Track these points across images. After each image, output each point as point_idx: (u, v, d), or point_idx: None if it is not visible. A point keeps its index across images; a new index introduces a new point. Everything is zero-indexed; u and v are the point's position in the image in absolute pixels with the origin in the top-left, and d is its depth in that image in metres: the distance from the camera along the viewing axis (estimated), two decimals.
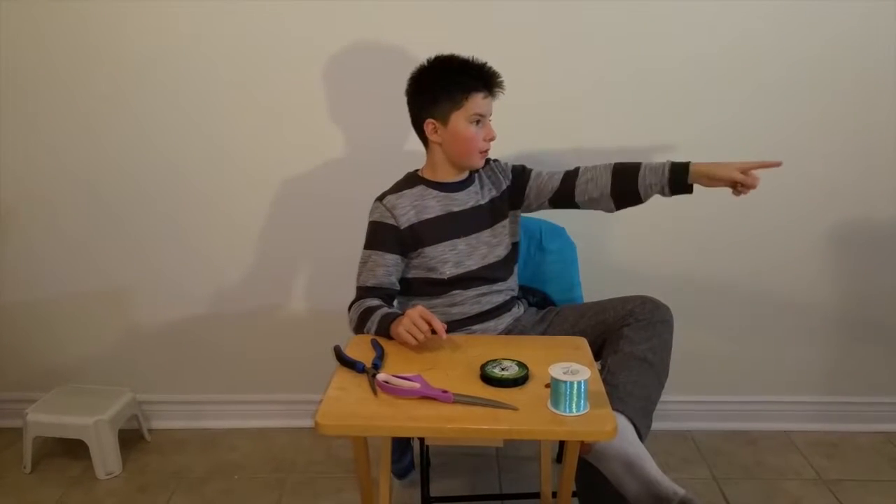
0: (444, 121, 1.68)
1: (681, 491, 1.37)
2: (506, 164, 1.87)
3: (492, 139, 1.70)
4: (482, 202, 1.79)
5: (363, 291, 1.70)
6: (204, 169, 2.16)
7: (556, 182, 1.80)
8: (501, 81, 1.69)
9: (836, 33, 2.03)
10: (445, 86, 1.66)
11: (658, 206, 2.18)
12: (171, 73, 2.08)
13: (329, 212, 2.20)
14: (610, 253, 2.20)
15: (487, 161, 1.85)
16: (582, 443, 1.44)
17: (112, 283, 2.26)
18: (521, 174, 1.84)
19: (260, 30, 2.04)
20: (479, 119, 1.67)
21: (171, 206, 2.20)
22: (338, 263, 2.15)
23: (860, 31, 2.03)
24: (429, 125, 1.71)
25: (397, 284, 1.73)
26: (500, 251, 1.79)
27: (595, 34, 2.04)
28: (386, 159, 2.09)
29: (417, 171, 1.81)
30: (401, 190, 1.76)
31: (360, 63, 2.07)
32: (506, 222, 1.83)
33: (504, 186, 1.83)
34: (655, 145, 2.13)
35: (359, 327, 1.63)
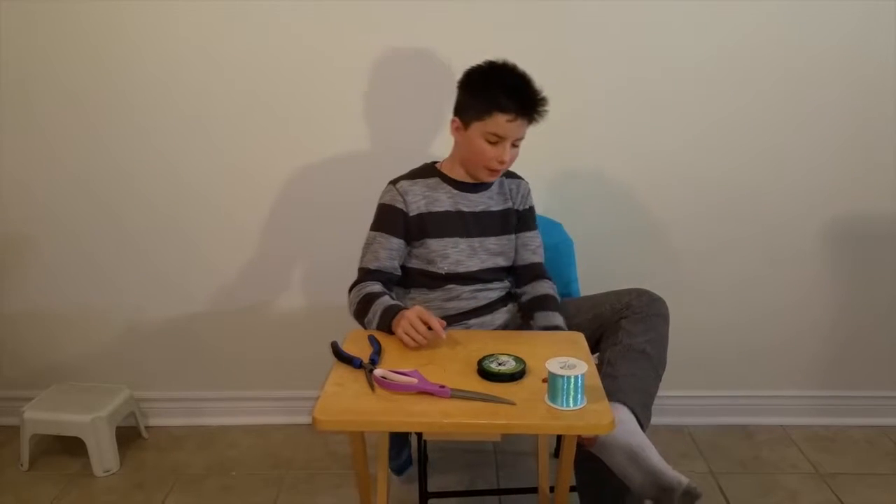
0: (467, 125, 1.65)
1: (685, 480, 1.37)
2: (529, 193, 1.84)
3: (502, 162, 1.63)
4: (493, 209, 1.77)
5: (365, 273, 1.69)
6: (201, 168, 2.16)
7: (526, 260, 1.81)
8: (542, 110, 1.62)
9: (835, 32, 2.03)
10: (478, 94, 1.62)
11: (655, 201, 2.19)
12: (170, 74, 2.07)
13: (326, 210, 2.20)
14: (607, 248, 2.21)
15: (519, 178, 1.84)
16: (586, 436, 1.44)
17: (109, 281, 2.26)
18: (530, 218, 1.84)
19: (259, 32, 2.03)
20: (497, 140, 1.61)
21: (168, 204, 2.19)
22: (335, 260, 2.15)
23: (858, 31, 2.03)
24: (454, 122, 1.68)
25: (399, 269, 1.73)
26: (500, 261, 1.78)
27: (595, 39, 2.05)
28: (385, 160, 2.09)
29: (436, 162, 1.80)
30: (416, 177, 1.74)
31: (360, 66, 2.07)
32: (512, 237, 1.81)
33: (518, 207, 1.82)
34: (657, 144, 2.13)
35: (358, 313, 1.62)
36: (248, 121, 2.12)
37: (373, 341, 1.49)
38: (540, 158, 2.08)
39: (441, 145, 2.04)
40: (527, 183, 1.85)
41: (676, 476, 1.38)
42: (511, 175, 1.83)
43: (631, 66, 2.07)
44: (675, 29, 2.04)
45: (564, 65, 2.05)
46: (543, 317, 1.69)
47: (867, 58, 2.06)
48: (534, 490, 1.82)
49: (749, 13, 2.02)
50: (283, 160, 2.16)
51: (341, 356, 1.42)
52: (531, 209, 1.85)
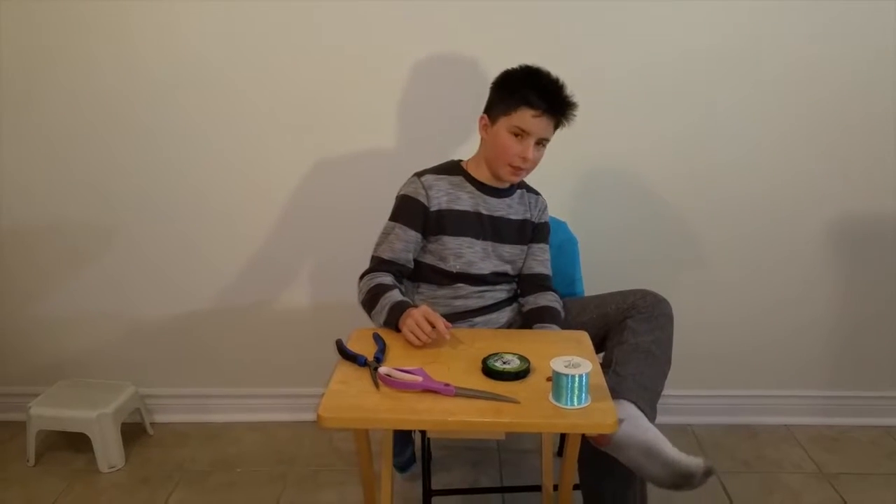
0: (494, 121, 1.67)
1: (701, 462, 1.37)
2: (545, 209, 1.85)
3: (525, 159, 1.64)
4: (511, 217, 1.77)
5: (378, 263, 1.70)
6: (204, 166, 2.16)
7: (532, 269, 1.81)
8: (569, 112, 1.65)
9: (834, 27, 2.03)
10: (507, 91, 1.65)
11: (659, 201, 2.20)
12: (173, 73, 2.07)
13: (331, 208, 2.20)
14: (611, 248, 2.21)
15: (537, 193, 1.85)
16: (600, 436, 1.45)
17: (115, 278, 2.27)
18: (543, 232, 1.84)
19: (262, 32, 2.04)
20: (520, 133, 1.63)
21: (173, 202, 2.20)
22: (340, 258, 2.16)
23: (858, 25, 2.03)
24: (482, 119, 1.71)
25: (412, 262, 1.73)
26: (509, 269, 1.78)
27: (598, 32, 2.05)
28: (389, 160, 2.11)
29: (461, 161, 1.80)
30: (441, 173, 1.75)
31: (364, 67, 2.07)
32: (525, 248, 1.81)
33: (535, 220, 1.82)
34: (660, 142, 2.13)
35: (367, 303, 1.62)
36: (250, 120, 2.12)
37: (377, 339, 1.49)
38: (544, 156, 2.08)
39: (450, 145, 2.05)
40: (544, 199, 1.86)
41: (693, 461, 1.38)
42: (530, 189, 1.85)
43: (627, 67, 2.07)
44: (672, 27, 2.04)
45: (568, 59, 2.03)
46: (539, 328, 1.68)
47: (866, 54, 2.05)
48: (537, 488, 1.82)
49: (746, 10, 2.01)
50: (288, 159, 2.16)
51: (346, 354, 1.42)
52: (546, 224, 1.86)
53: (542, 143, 1.66)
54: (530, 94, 1.60)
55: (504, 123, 1.64)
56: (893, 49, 2.04)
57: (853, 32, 2.03)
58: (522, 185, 1.83)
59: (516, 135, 1.63)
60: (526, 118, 1.61)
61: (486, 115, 1.70)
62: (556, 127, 1.66)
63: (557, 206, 2.04)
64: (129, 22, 2.03)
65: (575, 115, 1.66)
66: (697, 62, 2.07)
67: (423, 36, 2.04)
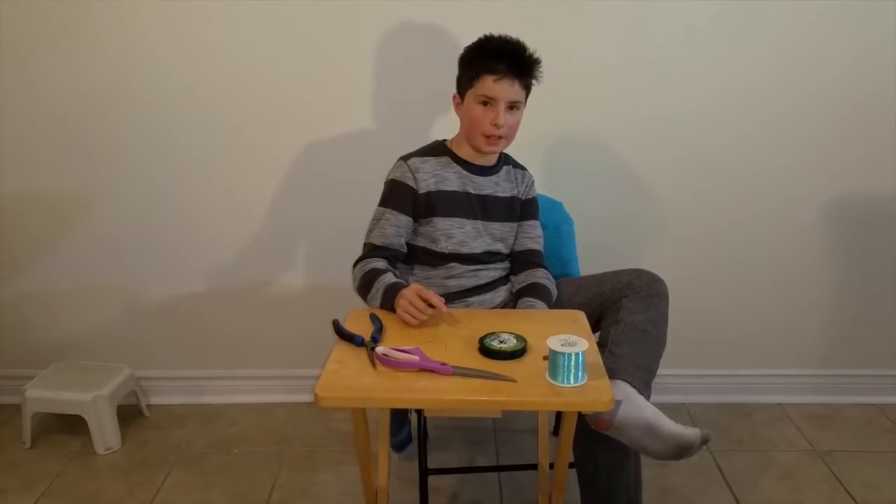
0: (463, 97, 1.68)
1: (699, 432, 1.41)
2: (532, 185, 1.85)
3: (497, 125, 1.63)
4: (499, 194, 1.77)
5: (371, 249, 1.69)
6: (202, 147, 2.15)
7: (523, 246, 1.81)
8: (532, 70, 1.64)
9: (836, 8, 2.02)
10: (467, 64, 1.66)
11: (655, 181, 2.19)
12: (172, 53, 2.06)
13: (328, 189, 2.19)
14: (606, 228, 2.21)
15: (523, 169, 1.84)
16: (602, 420, 1.46)
17: (110, 260, 2.26)
18: (532, 208, 1.84)
19: (260, 12, 2.02)
20: (487, 101, 1.63)
21: (170, 182, 2.18)
22: (336, 239, 2.16)
23: (860, 7, 2.02)
24: (455, 99, 1.72)
25: (405, 247, 1.73)
26: (501, 247, 1.79)
27: (584, 12, 2.03)
28: (386, 139, 2.10)
29: (446, 140, 1.80)
30: (427, 155, 1.74)
31: (363, 45, 2.06)
32: (515, 224, 1.81)
33: (522, 197, 1.82)
34: (651, 120, 2.12)
35: (361, 288, 1.62)
36: (250, 98, 2.10)
37: (374, 319, 1.49)
38: (540, 136, 2.08)
39: (443, 124, 2.04)
40: (531, 174, 1.86)
41: (692, 431, 1.42)
42: (517, 165, 1.84)
43: (631, 41, 2.06)
44: (669, 4, 2.02)
45: (561, 41, 2.03)
46: (523, 303, 1.69)
47: (867, 34, 2.05)
48: (533, 467, 1.83)
49: None
50: (284, 139, 2.15)
51: (343, 334, 1.42)
52: (534, 199, 1.86)
53: (514, 107, 1.66)
54: (487, 59, 1.61)
55: (471, 96, 1.65)
56: (894, 28, 2.04)
57: (856, 13, 2.03)
58: (509, 161, 1.83)
59: (484, 104, 1.63)
60: (488, 84, 1.61)
61: (457, 95, 1.71)
62: (526, 88, 1.66)
63: (553, 186, 2.04)
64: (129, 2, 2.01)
65: (539, 72, 1.66)
66: (696, 42, 2.06)
67: (422, 13, 2.03)
